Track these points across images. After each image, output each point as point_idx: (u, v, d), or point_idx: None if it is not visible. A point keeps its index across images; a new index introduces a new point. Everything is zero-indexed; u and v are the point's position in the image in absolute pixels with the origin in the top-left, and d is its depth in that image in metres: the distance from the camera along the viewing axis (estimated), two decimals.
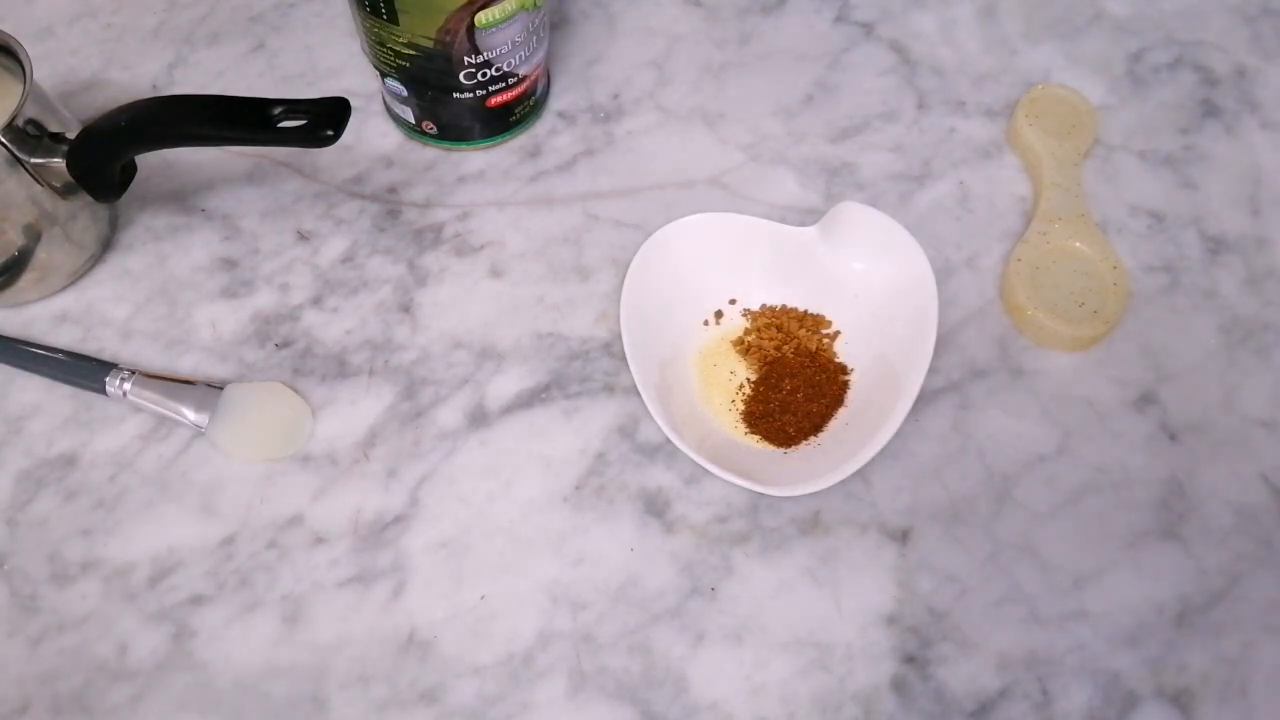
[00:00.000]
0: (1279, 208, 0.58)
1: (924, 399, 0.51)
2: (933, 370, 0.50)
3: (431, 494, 0.49)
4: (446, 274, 0.55)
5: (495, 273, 0.55)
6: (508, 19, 0.52)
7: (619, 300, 0.51)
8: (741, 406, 0.51)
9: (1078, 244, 0.55)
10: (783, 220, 0.54)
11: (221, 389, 0.50)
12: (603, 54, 0.64)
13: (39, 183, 0.49)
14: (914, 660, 0.45)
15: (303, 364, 0.52)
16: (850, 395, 0.51)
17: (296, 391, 0.51)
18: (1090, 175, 0.59)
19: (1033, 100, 0.60)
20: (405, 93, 0.56)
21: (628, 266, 0.52)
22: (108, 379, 0.50)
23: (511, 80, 0.56)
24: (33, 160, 0.48)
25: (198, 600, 0.46)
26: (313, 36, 0.65)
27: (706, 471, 0.47)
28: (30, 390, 0.51)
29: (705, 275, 0.53)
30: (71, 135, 0.49)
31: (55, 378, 0.51)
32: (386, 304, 0.54)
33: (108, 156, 0.49)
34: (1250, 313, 0.54)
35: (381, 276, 0.55)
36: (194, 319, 0.54)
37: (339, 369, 0.52)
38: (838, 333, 0.53)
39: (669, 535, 0.48)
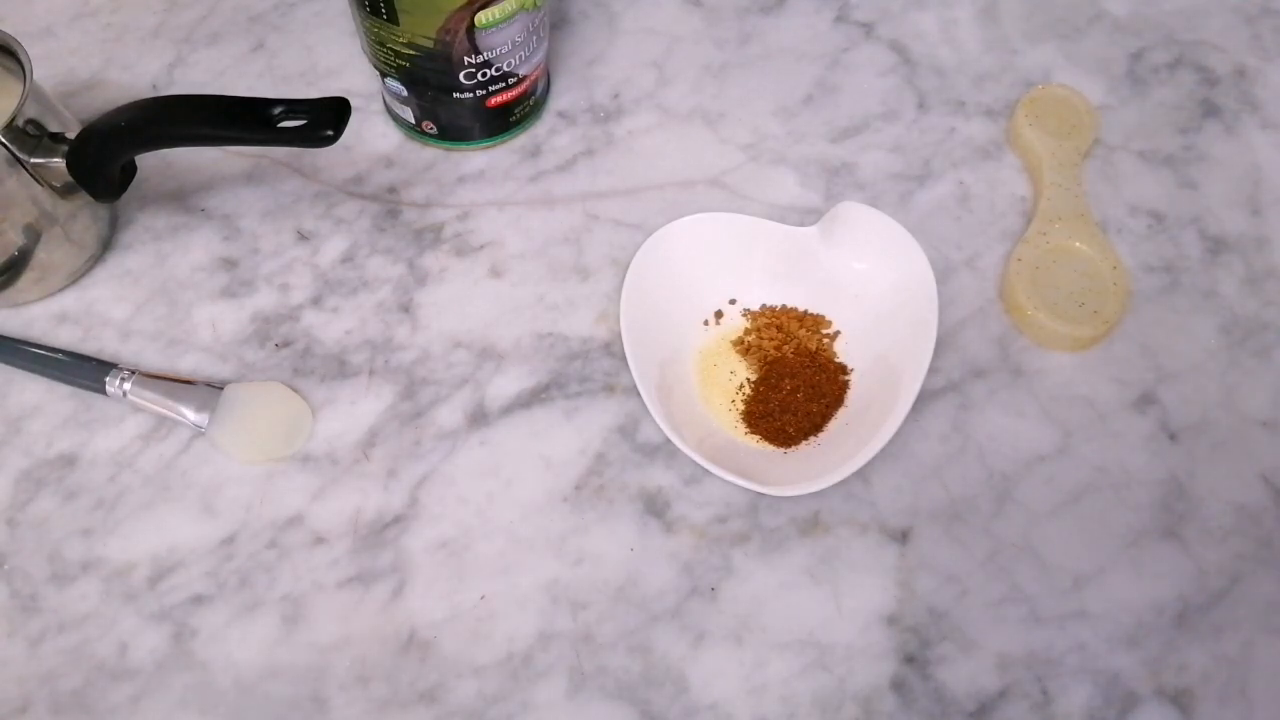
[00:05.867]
0: (1279, 208, 0.58)
1: (924, 399, 0.51)
2: (933, 370, 0.50)
3: (431, 494, 0.49)
4: (446, 274, 0.55)
5: (495, 273, 0.55)
6: (508, 19, 0.52)
7: (619, 300, 0.51)
8: (741, 406, 0.51)
9: (1078, 244, 0.55)
10: (783, 220, 0.54)
11: (221, 389, 0.50)
12: (603, 54, 0.64)
13: (39, 183, 0.49)
14: (914, 660, 0.45)
15: (303, 364, 0.52)
16: (850, 395, 0.51)
17: (296, 391, 0.51)
18: (1090, 175, 0.59)
19: (1033, 100, 0.60)
20: (405, 93, 0.56)
21: (628, 266, 0.52)
22: (108, 379, 0.50)
23: (511, 80, 0.56)
24: (33, 160, 0.48)
25: (198, 600, 0.46)
26: (313, 36, 0.65)
27: (706, 471, 0.47)
28: (30, 390, 0.51)
29: (705, 275, 0.53)
30: (71, 135, 0.49)
31: (55, 378, 0.51)
32: (386, 304, 0.54)
33: (108, 156, 0.49)
34: (1250, 313, 0.54)
35: (381, 276, 0.55)
36: (194, 319, 0.54)
37: (339, 369, 0.52)
38: (838, 333, 0.53)
39: (669, 535, 0.48)
